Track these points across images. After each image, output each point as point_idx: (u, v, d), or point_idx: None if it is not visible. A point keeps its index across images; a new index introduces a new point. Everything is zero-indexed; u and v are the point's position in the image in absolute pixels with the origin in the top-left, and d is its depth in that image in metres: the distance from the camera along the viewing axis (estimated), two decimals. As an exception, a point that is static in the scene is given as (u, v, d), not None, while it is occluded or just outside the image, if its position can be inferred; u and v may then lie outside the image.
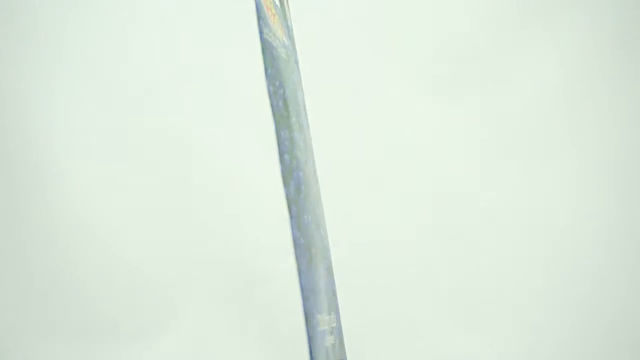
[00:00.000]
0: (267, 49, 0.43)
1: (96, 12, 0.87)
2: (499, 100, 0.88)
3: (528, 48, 0.87)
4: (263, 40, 0.42)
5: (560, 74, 0.87)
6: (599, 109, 0.87)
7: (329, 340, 0.46)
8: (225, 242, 0.87)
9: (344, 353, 0.52)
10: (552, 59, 0.87)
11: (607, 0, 0.86)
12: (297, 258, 0.41)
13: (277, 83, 0.43)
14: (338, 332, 0.50)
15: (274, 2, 0.49)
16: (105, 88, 0.88)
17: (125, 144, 0.88)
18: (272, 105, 0.42)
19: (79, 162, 0.87)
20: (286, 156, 0.43)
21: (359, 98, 0.88)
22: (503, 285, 0.86)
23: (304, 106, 0.54)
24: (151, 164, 0.87)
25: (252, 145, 0.86)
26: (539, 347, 0.85)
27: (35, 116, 0.87)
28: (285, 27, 0.51)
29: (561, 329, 0.85)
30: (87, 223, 0.87)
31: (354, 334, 0.61)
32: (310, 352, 0.41)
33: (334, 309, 0.50)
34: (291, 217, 0.41)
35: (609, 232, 0.86)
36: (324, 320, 0.44)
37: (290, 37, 0.53)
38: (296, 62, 0.54)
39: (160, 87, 0.88)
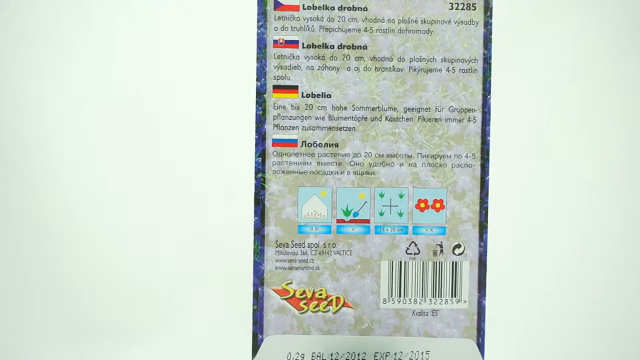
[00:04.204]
0: None
1: (89, 10, 0.87)
2: (507, 93, 0.87)
3: (537, 40, 0.87)
4: None
5: (568, 69, 0.87)
6: (610, 105, 0.87)
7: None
8: (222, 242, 0.87)
9: None
10: (561, 54, 0.87)
11: None
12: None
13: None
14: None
15: None
16: (96, 86, 0.88)
17: (121, 144, 0.88)
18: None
19: (71, 161, 0.87)
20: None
21: None
22: (507, 284, 0.86)
23: None
24: (146, 164, 0.88)
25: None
26: (542, 348, 0.85)
27: (27, 115, 0.87)
28: None
29: (567, 331, 0.85)
30: (80, 223, 0.87)
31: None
32: None
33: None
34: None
35: (619, 229, 0.86)
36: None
37: None
38: None
39: (154, 86, 0.88)
